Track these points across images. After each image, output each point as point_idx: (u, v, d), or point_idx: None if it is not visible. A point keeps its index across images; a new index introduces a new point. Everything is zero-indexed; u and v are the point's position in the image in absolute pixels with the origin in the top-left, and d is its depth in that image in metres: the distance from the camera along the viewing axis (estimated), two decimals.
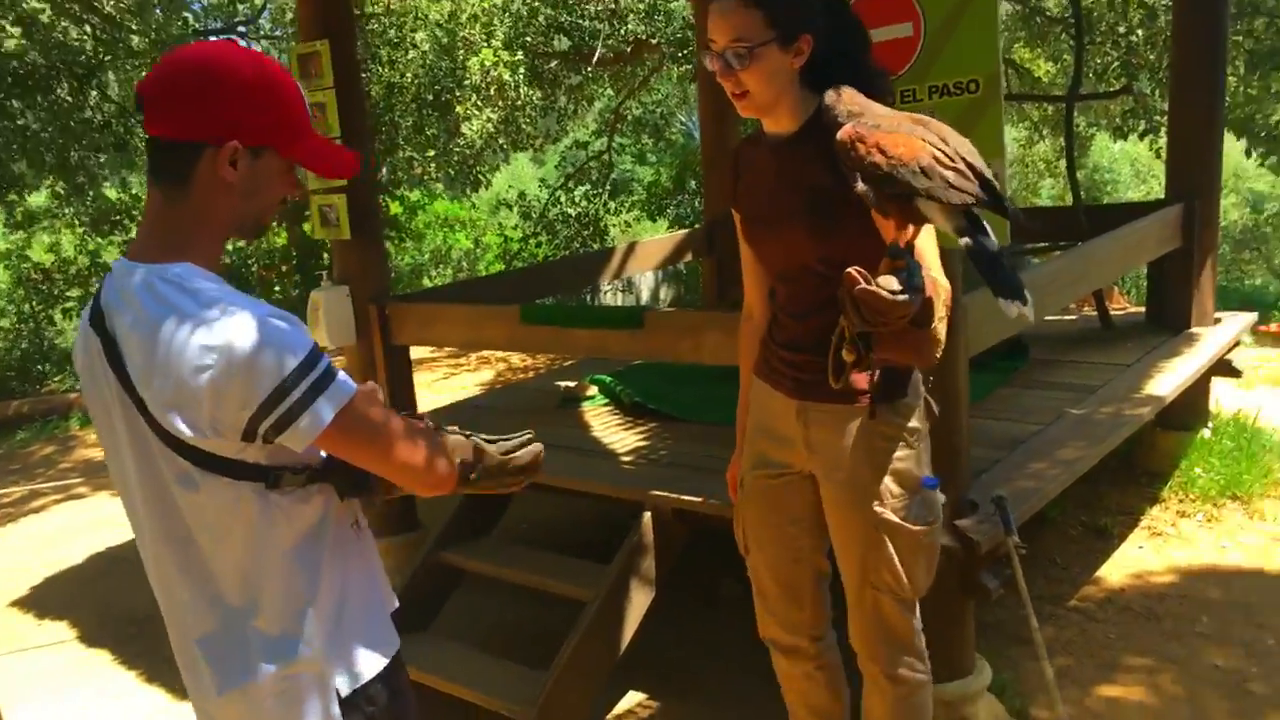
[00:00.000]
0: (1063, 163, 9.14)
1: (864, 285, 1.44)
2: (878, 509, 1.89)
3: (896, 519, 1.89)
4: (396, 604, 1.47)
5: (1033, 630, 2.62)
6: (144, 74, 1.28)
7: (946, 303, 1.62)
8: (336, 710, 1.31)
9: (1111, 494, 4.25)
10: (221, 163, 1.24)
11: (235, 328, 1.17)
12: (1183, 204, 4.33)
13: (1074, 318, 5.31)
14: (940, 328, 1.58)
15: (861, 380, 1.84)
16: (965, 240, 1.50)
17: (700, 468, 3.22)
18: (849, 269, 1.47)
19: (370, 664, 1.36)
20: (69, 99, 9.61)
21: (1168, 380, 3.79)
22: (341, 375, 1.24)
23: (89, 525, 5.40)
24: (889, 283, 1.46)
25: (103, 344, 1.25)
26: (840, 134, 1.58)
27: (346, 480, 1.33)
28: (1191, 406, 4.41)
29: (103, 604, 4.27)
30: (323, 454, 1.32)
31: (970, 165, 1.50)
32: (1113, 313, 5.01)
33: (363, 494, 1.37)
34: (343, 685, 1.32)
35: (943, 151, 1.50)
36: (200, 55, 1.25)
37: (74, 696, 3.54)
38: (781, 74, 1.77)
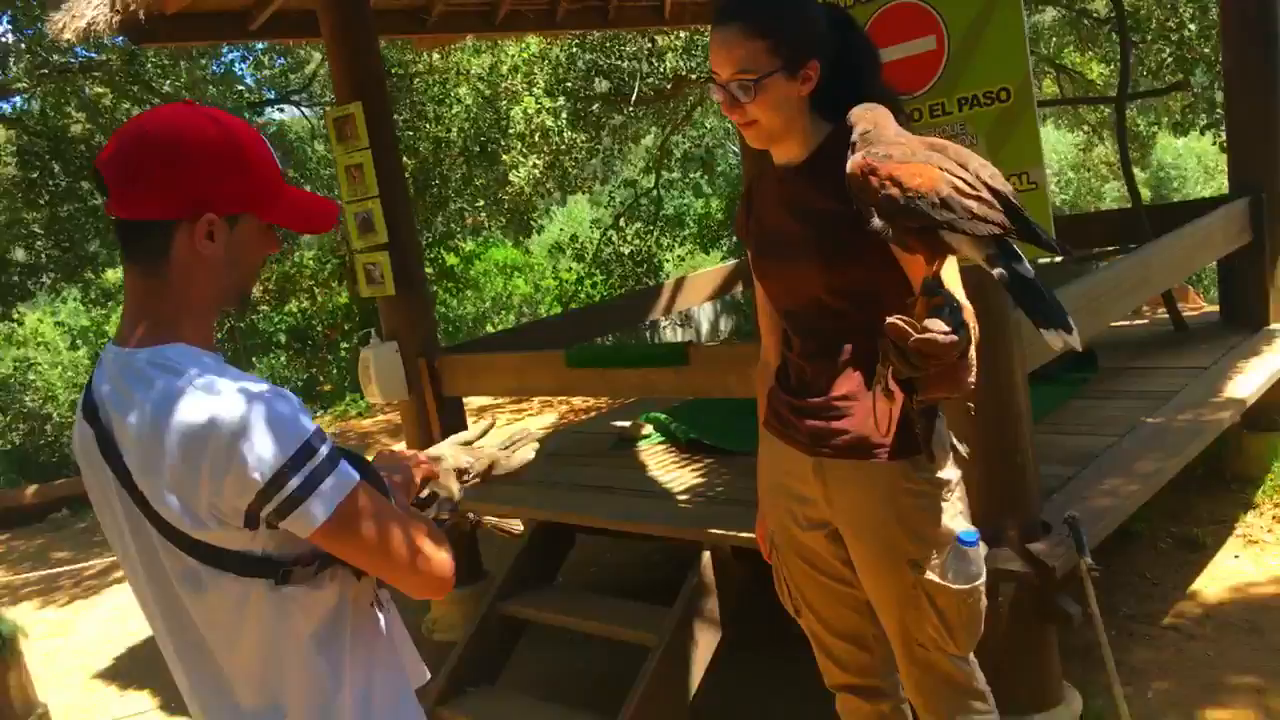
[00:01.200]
0: None
1: (917, 336, 1.33)
2: (914, 570, 1.77)
3: (936, 578, 1.77)
4: (428, 677, 1.40)
5: (1104, 655, 2.47)
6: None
7: (973, 325, 1.51)
8: None
9: (1201, 502, 4.04)
10: (198, 237, 1.16)
11: (231, 409, 1.09)
12: (1249, 198, 4.17)
13: (1145, 321, 5.12)
14: (973, 352, 1.46)
15: (879, 434, 1.73)
16: (999, 270, 1.39)
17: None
18: (891, 319, 1.35)
19: None
20: None
21: (1248, 381, 3.62)
22: (342, 467, 1.14)
23: None
24: (937, 325, 1.34)
25: (96, 435, 1.17)
26: (850, 165, 1.47)
27: None
28: (1279, 405, 4.20)
29: None
30: None
31: (995, 191, 1.39)
32: (1186, 314, 4.82)
33: None
34: None
35: (962, 179, 1.38)
36: (161, 126, 1.17)
37: None
38: (790, 103, 1.70)
